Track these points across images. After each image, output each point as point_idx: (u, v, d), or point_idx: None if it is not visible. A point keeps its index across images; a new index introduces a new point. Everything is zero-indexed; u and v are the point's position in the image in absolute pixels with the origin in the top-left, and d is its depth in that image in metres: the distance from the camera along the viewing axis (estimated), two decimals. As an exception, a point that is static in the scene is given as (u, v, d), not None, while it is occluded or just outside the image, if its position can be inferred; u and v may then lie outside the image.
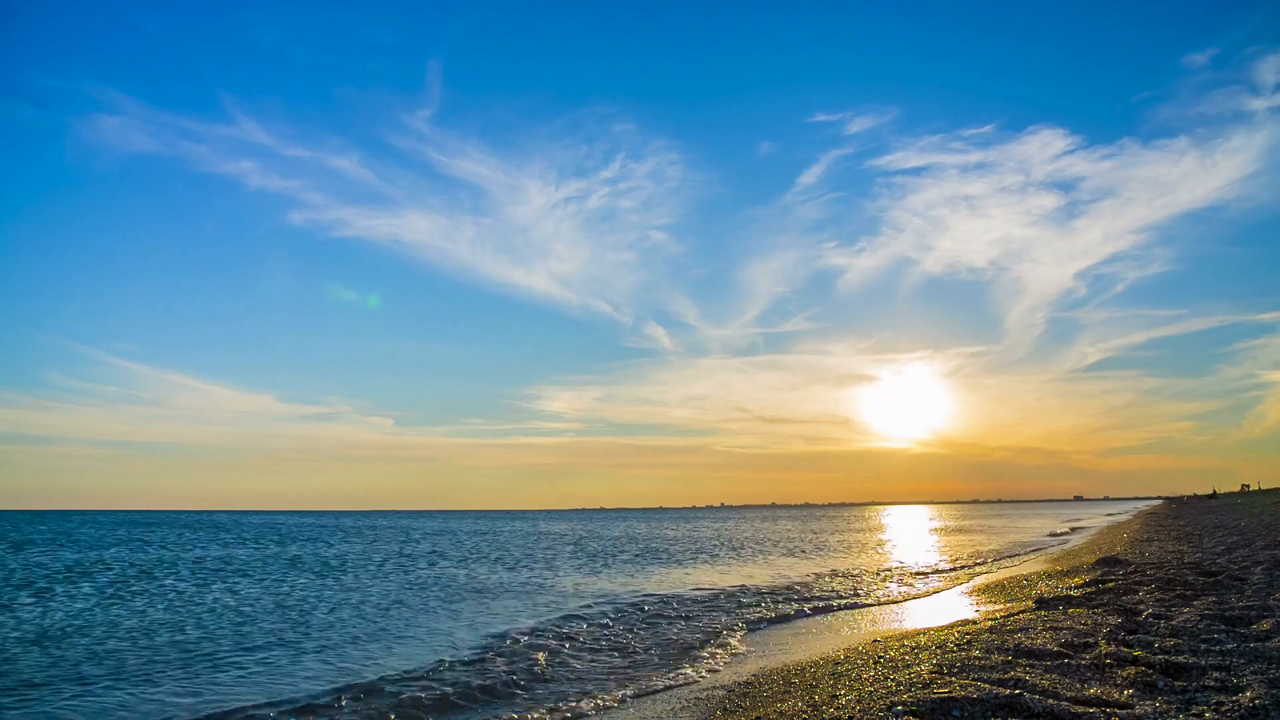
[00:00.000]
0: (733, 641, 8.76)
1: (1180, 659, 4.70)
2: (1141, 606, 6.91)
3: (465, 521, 79.51)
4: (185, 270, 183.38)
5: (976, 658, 4.98)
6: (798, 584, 14.66)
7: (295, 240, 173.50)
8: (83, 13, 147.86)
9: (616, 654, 8.28)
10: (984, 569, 17.09)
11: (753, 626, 9.81)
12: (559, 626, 10.04)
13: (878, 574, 16.61)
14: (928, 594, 12.60)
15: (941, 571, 16.98)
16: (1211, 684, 4.20)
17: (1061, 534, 31.81)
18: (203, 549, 29.39)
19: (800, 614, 10.76)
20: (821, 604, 11.59)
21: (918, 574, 16.44)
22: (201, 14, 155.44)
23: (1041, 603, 8.19)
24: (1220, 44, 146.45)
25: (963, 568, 17.63)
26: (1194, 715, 3.70)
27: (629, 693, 6.53)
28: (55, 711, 6.43)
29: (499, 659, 8.04)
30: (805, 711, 4.47)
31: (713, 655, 8.04)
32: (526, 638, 9.22)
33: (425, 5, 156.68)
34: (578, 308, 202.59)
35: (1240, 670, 4.43)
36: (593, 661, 7.95)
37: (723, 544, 30.14)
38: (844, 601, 11.89)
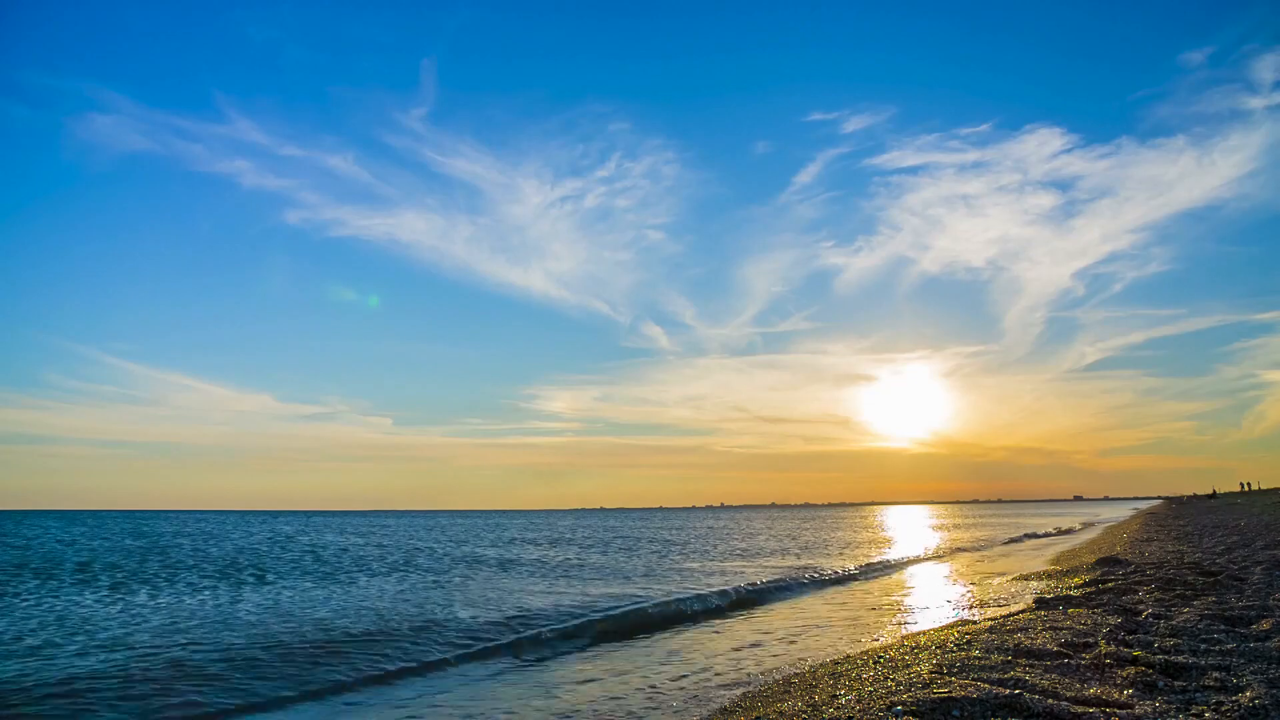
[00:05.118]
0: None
1: (1180, 659, 4.70)
2: (1141, 606, 6.91)
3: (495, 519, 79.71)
4: (182, 270, 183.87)
5: (976, 658, 4.97)
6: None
7: (292, 240, 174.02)
8: (77, 12, 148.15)
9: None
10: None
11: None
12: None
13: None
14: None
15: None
16: (1211, 684, 4.19)
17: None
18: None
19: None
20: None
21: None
22: (195, 13, 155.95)
23: (1041, 603, 8.19)
24: (1217, 42, 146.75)
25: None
26: (1194, 715, 3.69)
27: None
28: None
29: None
30: (805, 711, 4.47)
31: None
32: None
33: (419, 4, 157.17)
34: (575, 307, 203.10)
35: (1240, 670, 4.43)
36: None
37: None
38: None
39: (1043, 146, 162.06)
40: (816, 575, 13.68)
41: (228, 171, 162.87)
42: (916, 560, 18.58)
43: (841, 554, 22.28)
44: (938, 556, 19.92)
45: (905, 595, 12.52)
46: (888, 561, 18.17)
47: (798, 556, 21.33)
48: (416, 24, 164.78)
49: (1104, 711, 3.75)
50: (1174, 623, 5.89)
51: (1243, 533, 16.86)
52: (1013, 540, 26.14)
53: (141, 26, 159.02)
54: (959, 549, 23.24)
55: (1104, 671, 4.64)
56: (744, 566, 17.99)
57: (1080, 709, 3.78)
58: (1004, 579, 13.54)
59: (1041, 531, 27.35)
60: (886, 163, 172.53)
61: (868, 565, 16.55)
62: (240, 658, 7.59)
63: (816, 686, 5.36)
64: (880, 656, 5.92)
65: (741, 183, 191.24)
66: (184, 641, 8.40)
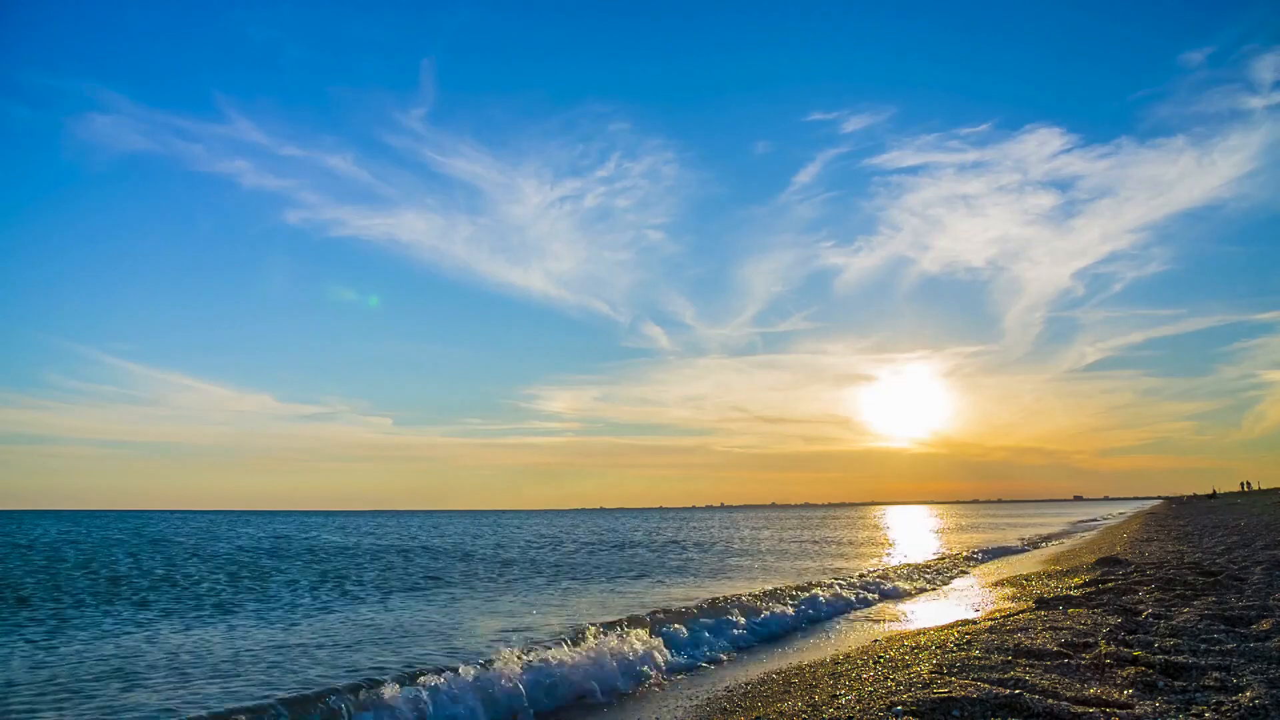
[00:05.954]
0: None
1: (1180, 659, 4.70)
2: (1141, 606, 6.91)
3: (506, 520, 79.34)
4: (182, 270, 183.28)
5: (976, 658, 4.97)
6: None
7: (291, 240, 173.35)
8: (77, 12, 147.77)
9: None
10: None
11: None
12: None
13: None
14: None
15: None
16: (1211, 684, 4.19)
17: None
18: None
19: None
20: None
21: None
22: (195, 12, 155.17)
23: (1041, 603, 8.19)
24: (1216, 42, 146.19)
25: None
26: (1194, 715, 3.70)
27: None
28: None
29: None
30: (805, 711, 4.47)
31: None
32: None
33: (419, 4, 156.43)
34: (575, 307, 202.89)
35: (1240, 670, 4.43)
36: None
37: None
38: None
39: (1043, 146, 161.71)
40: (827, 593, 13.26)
41: (228, 171, 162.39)
42: (916, 562, 18.60)
43: (843, 555, 22.30)
44: (938, 557, 19.97)
45: (906, 595, 12.52)
46: (886, 564, 18.21)
47: (797, 559, 21.34)
48: (416, 24, 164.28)
49: (1104, 711, 3.75)
50: (1174, 623, 5.89)
51: (1243, 533, 16.85)
52: (1012, 547, 26.36)
53: (141, 26, 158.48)
54: (960, 551, 23.28)
55: (1104, 671, 4.64)
56: (750, 564, 18.00)
57: (1080, 709, 3.78)
58: (1000, 578, 13.55)
59: (1024, 543, 27.37)
60: (886, 163, 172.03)
61: (869, 569, 16.59)
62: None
63: (816, 686, 5.36)
64: (880, 656, 5.92)
65: (741, 183, 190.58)
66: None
